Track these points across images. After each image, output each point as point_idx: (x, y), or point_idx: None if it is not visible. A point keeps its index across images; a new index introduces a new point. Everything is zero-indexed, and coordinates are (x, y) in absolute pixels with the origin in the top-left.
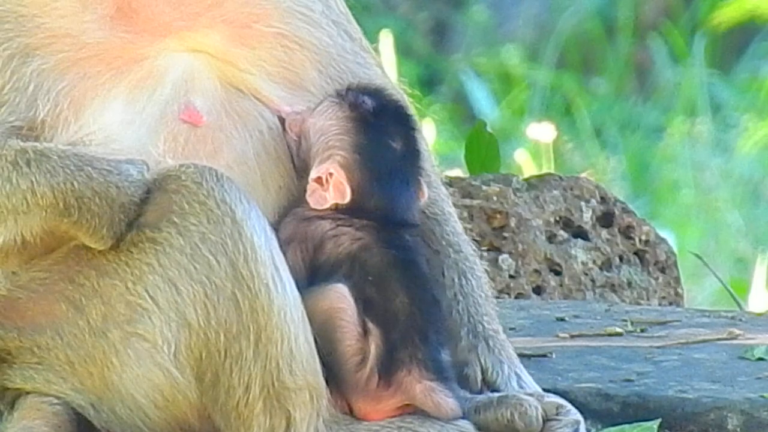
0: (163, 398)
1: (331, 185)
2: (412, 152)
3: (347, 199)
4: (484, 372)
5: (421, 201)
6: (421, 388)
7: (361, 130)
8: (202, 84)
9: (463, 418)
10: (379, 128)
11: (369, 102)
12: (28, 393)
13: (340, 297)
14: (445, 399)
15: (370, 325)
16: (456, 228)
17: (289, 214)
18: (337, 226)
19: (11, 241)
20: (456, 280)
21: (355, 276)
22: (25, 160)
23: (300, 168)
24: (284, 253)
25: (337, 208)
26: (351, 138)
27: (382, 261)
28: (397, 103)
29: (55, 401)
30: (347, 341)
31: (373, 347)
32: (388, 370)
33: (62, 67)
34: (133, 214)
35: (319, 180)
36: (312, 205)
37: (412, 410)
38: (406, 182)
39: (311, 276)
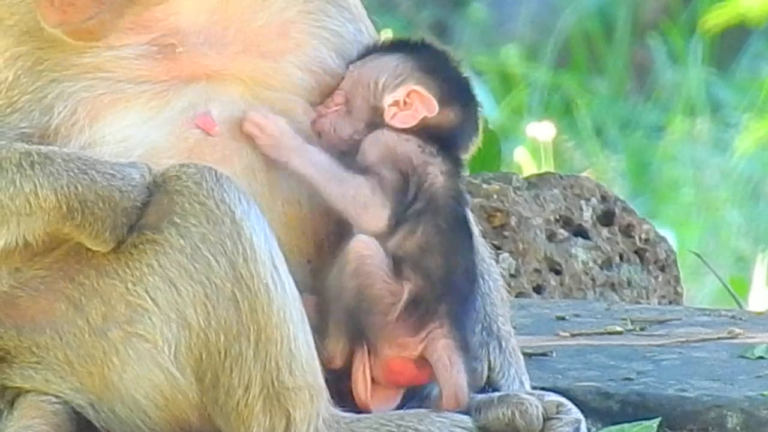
0: (163, 398)
1: (417, 100)
2: (472, 88)
3: (436, 110)
4: (490, 370)
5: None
6: (444, 344)
7: (425, 57)
8: (222, 96)
9: (464, 413)
10: (440, 55)
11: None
12: (27, 391)
13: (365, 245)
14: (459, 368)
15: (408, 273)
16: (474, 231)
17: (373, 135)
18: (423, 152)
19: (13, 243)
20: None
21: (422, 222)
22: (29, 162)
23: (366, 121)
24: (370, 176)
25: (420, 130)
26: (418, 62)
27: (447, 219)
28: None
29: (55, 400)
30: (378, 284)
31: (407, 291)
32: (422, 316)
33: (87, 86)
34: (135, 218)
35: (396, 103)
36: (398, 125)
37: (429, 377)
38: (474, 108)
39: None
